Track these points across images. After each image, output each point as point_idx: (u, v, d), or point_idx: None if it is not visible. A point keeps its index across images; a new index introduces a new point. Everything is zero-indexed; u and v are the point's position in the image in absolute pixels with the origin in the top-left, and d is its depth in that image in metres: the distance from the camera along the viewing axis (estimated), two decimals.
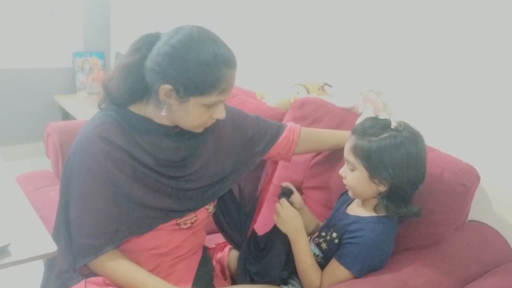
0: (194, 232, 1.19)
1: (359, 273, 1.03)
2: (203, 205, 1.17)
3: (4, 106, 2.78)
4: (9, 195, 1.08)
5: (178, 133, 1.11)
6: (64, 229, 1.05)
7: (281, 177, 1.45)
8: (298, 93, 1.61)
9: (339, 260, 1.05)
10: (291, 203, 1.16)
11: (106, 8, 3.03)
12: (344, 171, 1.10)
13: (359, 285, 1.00)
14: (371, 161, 1.01)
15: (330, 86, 1.62)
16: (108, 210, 1.03)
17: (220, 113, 1.04)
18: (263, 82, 1.96)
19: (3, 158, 1.23)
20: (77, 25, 3.00)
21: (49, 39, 3.01)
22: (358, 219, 1.08)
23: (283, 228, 1.13)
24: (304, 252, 1.11)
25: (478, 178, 1.16)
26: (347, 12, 1.61)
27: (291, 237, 1.12)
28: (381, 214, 1.07)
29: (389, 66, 1.49)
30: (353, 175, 1.06)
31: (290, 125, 1.29)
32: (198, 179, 1.14)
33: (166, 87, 0.97)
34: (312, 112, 1.44)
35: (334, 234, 1.10)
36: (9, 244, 0.86)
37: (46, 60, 2.98)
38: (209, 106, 1.01)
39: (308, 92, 1.60)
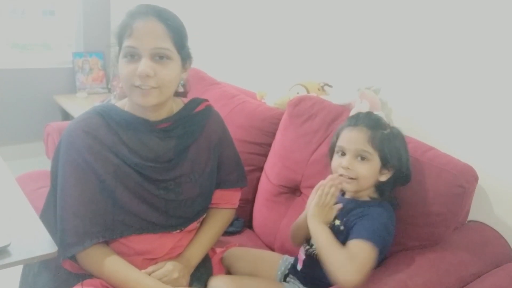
0: (189, 231, 1.16)
1: (379, 244, 0.99)
2: (191, 222, 1.14)
3: (4, 106, 2.78)
4: (9, 195, 1.08)
5: (164, 130, 1.09)
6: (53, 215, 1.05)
7: (280, 176, 1.45)
8: (298, 93, 1.61)
9: (357, 237, 1.01)
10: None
11: (106, 8, 3.02)
12: (350, 162, 1.09)
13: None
14: (387, 151, 1.08)
15: (330, 86, 1.62)
16: (87, 206, 1.01)
17: (139, 65, 0.99)
18: (263, 82, 1.96)
19: (3, 158, 1.23)
20: (77, 25, 3.00)
21: (49, 39, 3.01)
22: (357, 203, 1.10)
23: (311, 210, 1.09)
24: (317, 235, 1.06)
25: (476, 179, 1.15)
26: (346, 10, 1.61)
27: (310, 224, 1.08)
28: (375, 197, 1.11)
29: (388, 64, 1.49)
30: (365, 166, 1.08)
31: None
32: (185, 185, 1.11)
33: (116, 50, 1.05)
34: (308, 109, 1.44)
35: (337, 222, 1.09)
36: (9, 244, 0.86)
37: (46, 60, 2.98)
38: (127, 58, 1.01)
39: (308, 92, 1.59)
